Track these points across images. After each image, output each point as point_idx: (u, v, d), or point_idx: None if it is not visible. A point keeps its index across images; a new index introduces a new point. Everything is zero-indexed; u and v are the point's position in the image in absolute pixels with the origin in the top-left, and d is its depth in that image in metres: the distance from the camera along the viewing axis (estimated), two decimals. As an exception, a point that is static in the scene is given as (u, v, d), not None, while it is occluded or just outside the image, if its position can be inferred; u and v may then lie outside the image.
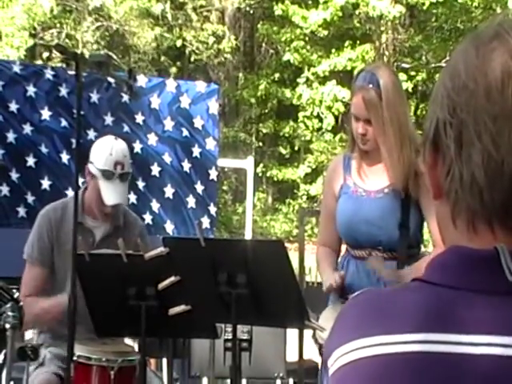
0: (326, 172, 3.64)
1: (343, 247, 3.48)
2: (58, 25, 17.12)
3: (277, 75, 18.99)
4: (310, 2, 17.96)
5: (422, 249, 3.49)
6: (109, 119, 6.22)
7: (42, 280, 3.79)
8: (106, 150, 3.78)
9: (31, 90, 5.96)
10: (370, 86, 3.16)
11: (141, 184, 6.30)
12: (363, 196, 3.31)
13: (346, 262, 3.34)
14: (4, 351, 3.26)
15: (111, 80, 5.98)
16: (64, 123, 6.03)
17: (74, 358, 3.33)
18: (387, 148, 3.20)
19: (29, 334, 4.50)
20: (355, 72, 14.27)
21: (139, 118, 6.36)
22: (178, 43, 17.81)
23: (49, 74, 6.07)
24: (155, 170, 6.39)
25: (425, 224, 3.32)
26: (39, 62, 15.75)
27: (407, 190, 3.22)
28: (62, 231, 3.75)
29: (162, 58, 18.23)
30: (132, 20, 17.05)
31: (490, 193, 0.94)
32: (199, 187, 6.51)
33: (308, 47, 18.00)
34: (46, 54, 16.09)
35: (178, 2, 18.33)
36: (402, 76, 16.49)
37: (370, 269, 3.20)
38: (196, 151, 6.52)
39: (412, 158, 3.18)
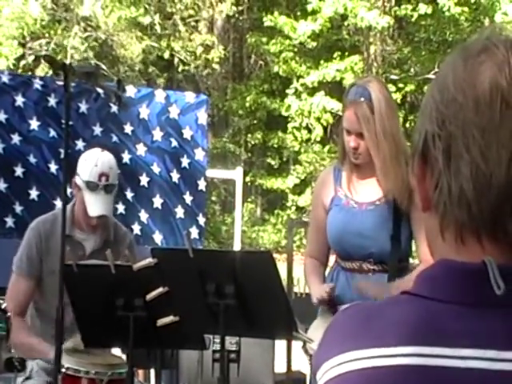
0: (316, 184, 3.63)
1: (331, 259, 3.48)
2: (47, 34, 17.10)
3: (266, 86, 19.01)
4: (298, 14, 18.02)
5: (411, 261, 3.49)
6: (97, 129, 6.21)
7: (28, 294, 3.77)
8: (91, 162, 3.77)
9: (20, 100, 5.95)
10: (362, 99, 3.17)
11: (129, 194, 6.28)
12: (355, 208, 3.29)
13: (336, 274, 3.33)
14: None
15: (100, 90, 5.97)
16: (52, 133, 6.02)
17: (63, 370, 3.31)
18: (381, 161, 3.20)
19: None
20: (346, 85, 14.30)
21: (128, 129, 6.35)
22: (166, 54, 17.81)
23: (37, 83, 6.06)
24: (144, 180, 6.39)
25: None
26: (28, 70, 15.72)
27: (400, 202, 3.21)
28: (51, 243, 3.74)
29: (151, 69, 18.23)
30: (121, 31, 17.04)
31: (478, 205, 0.94)
32: (188, 198, 6.51)
33: (297, 58, 18.05)
34: (32, 60, 16.04)
35: (166, 12, 18.34)
36: (391, 88, 16.54)
37: (357, 293, 3.17)
38: (185, 162, 6.52)
39: (406, 171, 3.17)
